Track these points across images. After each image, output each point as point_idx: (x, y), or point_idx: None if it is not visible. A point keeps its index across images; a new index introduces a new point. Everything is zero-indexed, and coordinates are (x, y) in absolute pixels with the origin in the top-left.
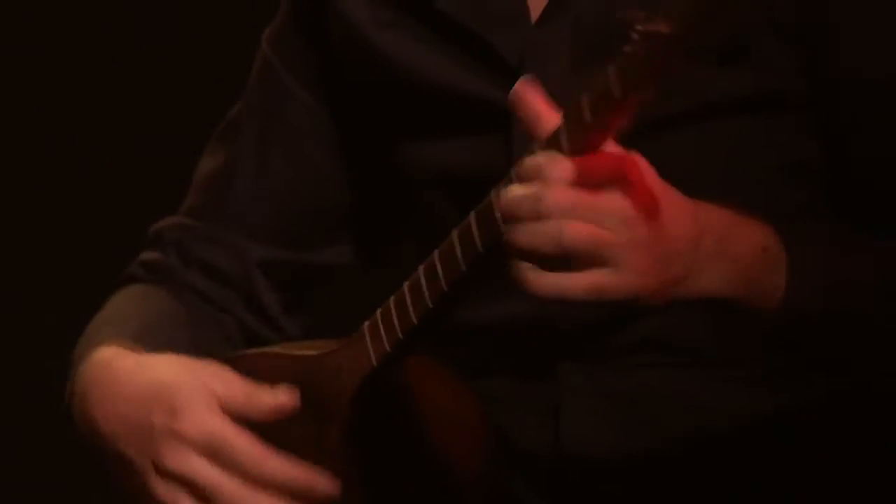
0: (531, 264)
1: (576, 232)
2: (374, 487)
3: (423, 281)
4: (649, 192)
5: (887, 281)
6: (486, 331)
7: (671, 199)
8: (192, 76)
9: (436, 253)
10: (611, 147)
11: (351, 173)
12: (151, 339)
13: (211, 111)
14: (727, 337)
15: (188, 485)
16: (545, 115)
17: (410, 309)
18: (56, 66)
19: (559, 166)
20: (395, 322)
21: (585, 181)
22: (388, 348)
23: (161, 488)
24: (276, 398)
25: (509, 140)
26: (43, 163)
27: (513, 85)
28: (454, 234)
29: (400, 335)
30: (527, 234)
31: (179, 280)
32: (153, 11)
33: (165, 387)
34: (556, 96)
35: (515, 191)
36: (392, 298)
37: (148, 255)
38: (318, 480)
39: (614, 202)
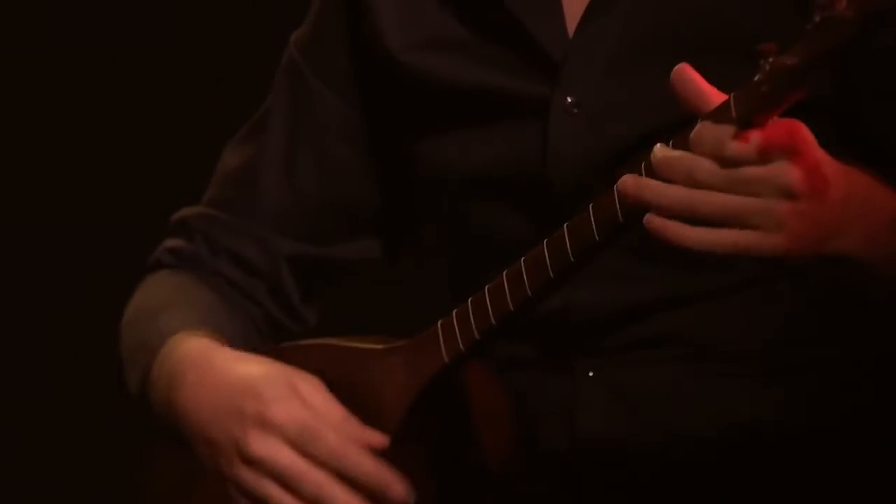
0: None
1: (717, 205)
2: (420, 471)
3: (506, 286)
4: (813, 163)
5: None
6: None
7: (828, 165)
8: (193, 79)
9: (522, 260)
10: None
11: (376, 172)
12: (216, 328)
13: (211, 113)
14: (740, 333)
15: (271, 470)
16: (709, 90)
17: (490, 312)
18: (59, 67)
19: (726, 141)
20: (473, 324)
21: (754, 154)
22: (462, 348)
23: (245, 472)
24: (369, 433)
25: (546, 132)
26: (47, 163)
27: (554, 80)
28: (544, 244)
29: (476, 335)
30: (673, 198)
31: (208, 268)
32: (156, 12)
33: (257, 378)
34: (597, 91)
35: (673, 153)
36: (470, 301)
37: (174, 243)
38: (393, 483)
39: (775, 174)
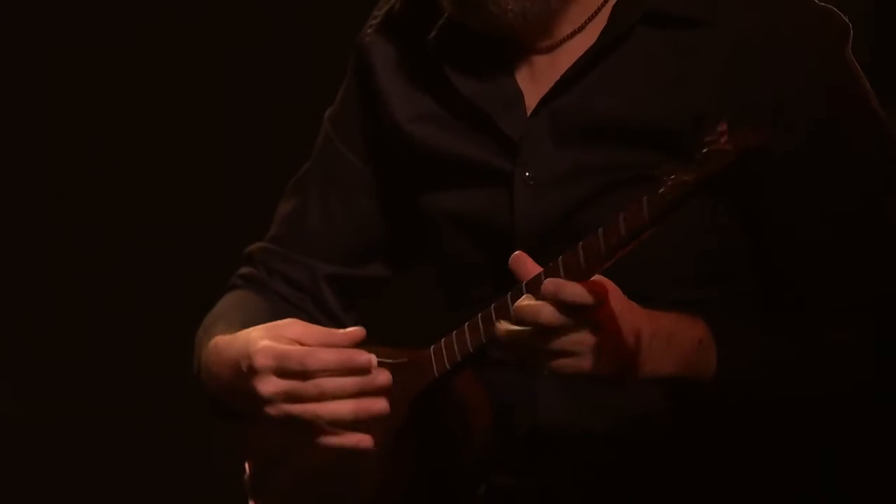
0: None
1: (540, 340)
2: (416, 460)
3: (480, 324)
4: (609, 311)
5: (801, 355)
6: None
7: (630, 311)
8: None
9: (492, 307)
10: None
11: (390, 211)
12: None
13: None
14: None
15: (281, 398)
16: (533, 269)
17: (469, 341)
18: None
19: (561, 291)
20: (456, 350)
21: (570, 302)
22: (447, 366)
23: (269, 409)
24: (346, 333)
25: (511, 193)
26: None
27: (515, 156)
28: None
29: (458, 358)
30: (518, 337)
31: (267, 287)
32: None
33: (245, 342)
34: (545, 166)
35: (522, 303)
36: (454, 332)
37: (244, 270)
38: (354, 354)
39: (581, 317)
